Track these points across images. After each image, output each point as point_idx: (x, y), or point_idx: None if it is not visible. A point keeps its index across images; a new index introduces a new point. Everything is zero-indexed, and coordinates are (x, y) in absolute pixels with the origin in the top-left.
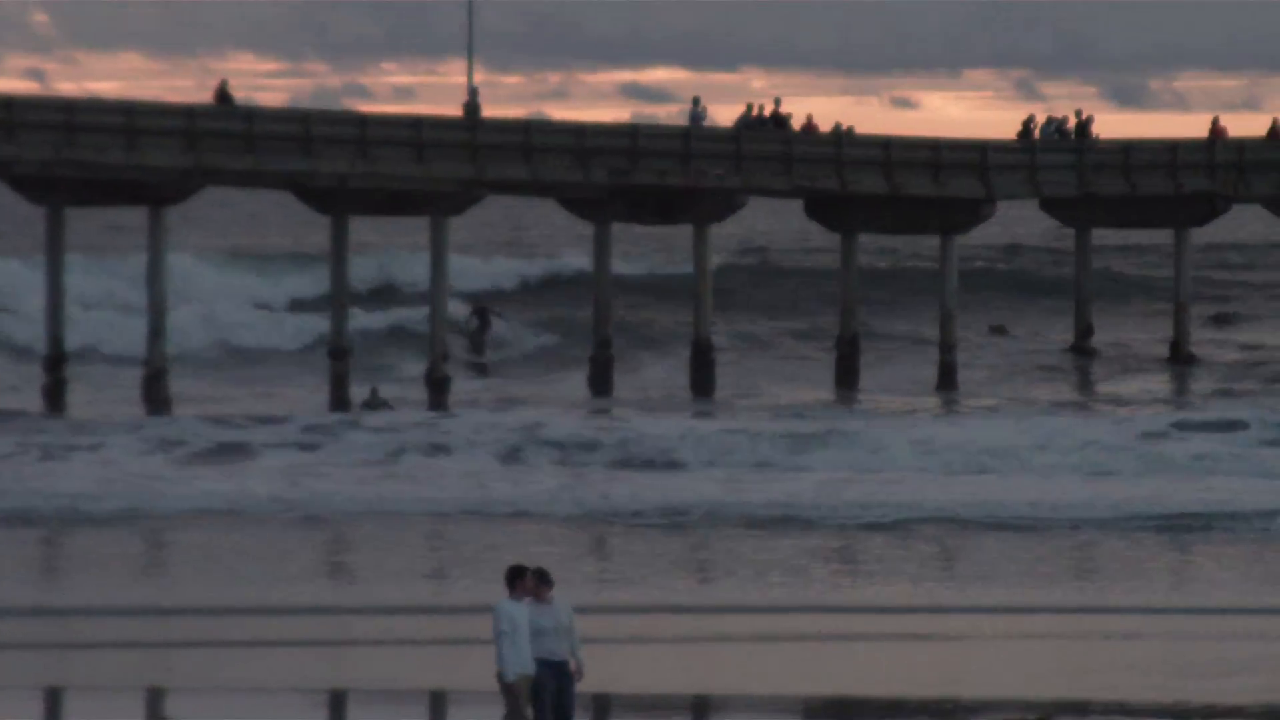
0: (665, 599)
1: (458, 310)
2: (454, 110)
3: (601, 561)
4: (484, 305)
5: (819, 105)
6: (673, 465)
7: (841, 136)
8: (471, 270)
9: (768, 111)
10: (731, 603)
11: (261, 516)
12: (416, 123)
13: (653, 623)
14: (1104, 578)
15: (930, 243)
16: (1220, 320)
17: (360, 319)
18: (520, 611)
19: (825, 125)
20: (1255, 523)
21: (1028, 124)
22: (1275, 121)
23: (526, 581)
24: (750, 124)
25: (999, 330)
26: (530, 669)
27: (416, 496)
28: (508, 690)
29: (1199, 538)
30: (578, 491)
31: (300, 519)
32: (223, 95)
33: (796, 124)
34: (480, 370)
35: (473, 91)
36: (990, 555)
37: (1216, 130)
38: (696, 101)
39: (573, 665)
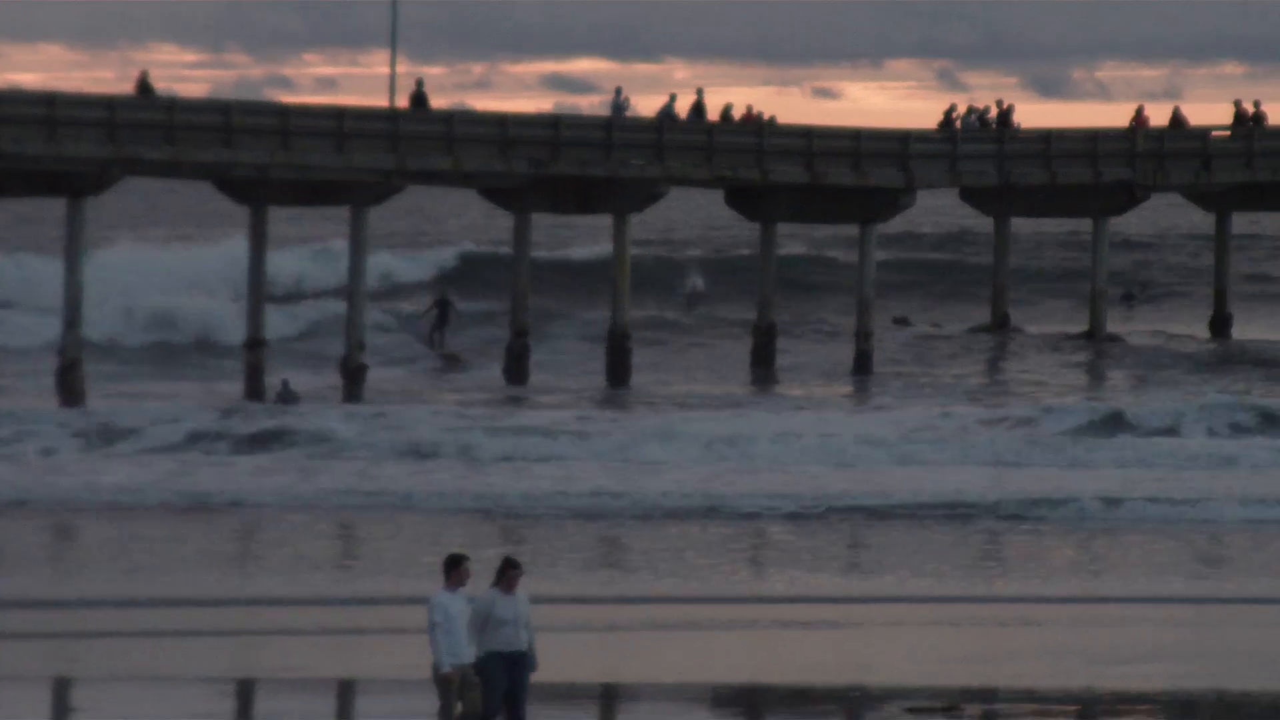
0: (571, 590)
1: (418, 304)
2: (378, 100)
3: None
4: (445, 297)
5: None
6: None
7: (763, 126)
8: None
9: (688, 103)
10: (636, 593)
11: (150, 506)
12: (338, 113)
13: (557, 612)
14: (1006, 566)
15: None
16: (1128, 299)
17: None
18: (454, 602)
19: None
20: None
21: (949, 114)
22: (1176, 110)
23: (462, 571)
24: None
25: (901, 321)
26: (467, 659)
27: (308, 487)
28: (442, 681)
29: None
30: (467, 482)
31: (190, 509)
32: (144, 86)
33: (737, 114)
34: (452, 362)
35: (419, 81)
36: (890, 545)
37: (1140, 119)
38: (619, 92)
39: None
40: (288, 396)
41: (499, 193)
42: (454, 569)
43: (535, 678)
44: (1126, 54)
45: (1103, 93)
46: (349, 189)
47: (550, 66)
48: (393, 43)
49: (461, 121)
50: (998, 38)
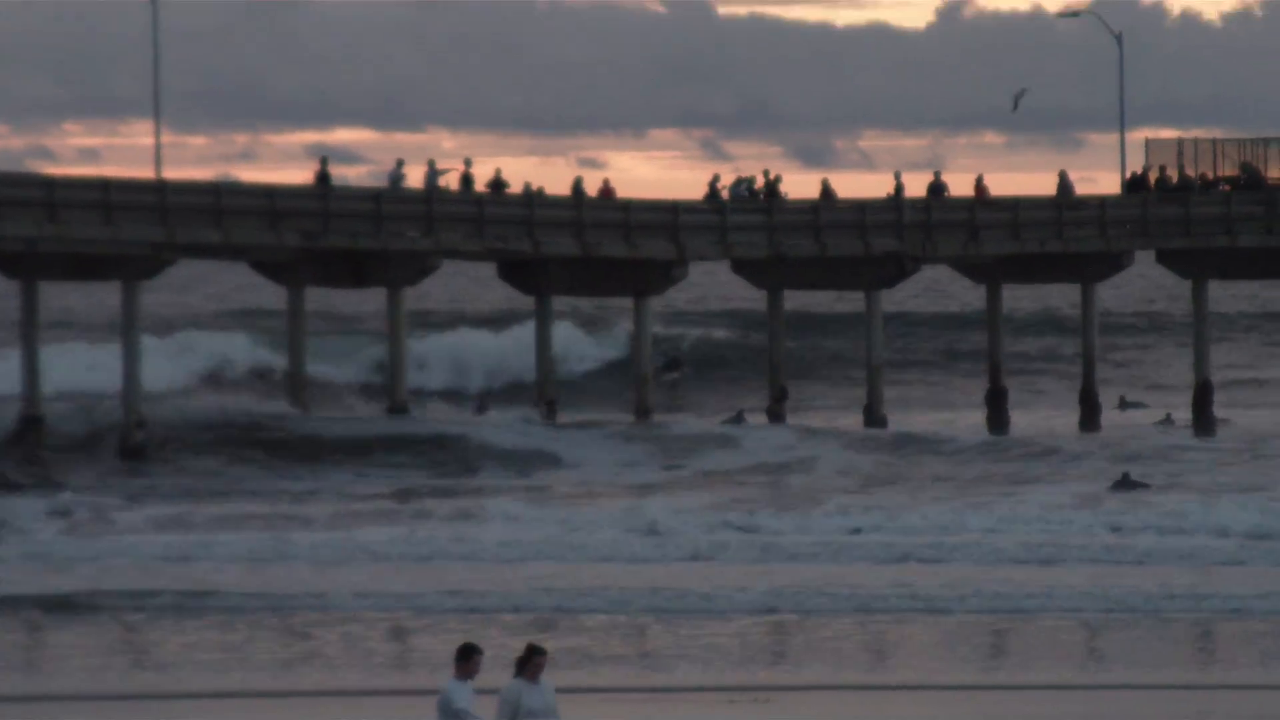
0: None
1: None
2: (144, 172)
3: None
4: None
5: (507, 165)
6: None
7: (532, 197)
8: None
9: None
10: None
11: None
12: (104, 184)
13: None
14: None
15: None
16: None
17: None
18: (461, 692)
19: (515, 185)
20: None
21: (713, 184)
22: (936, 176)
23: (474, 663)
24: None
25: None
26: None
27: None
28: None
29: None
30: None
31: None
32: None
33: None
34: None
35: (323, 160)
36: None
37: (979, 190)
38: (400, 163)
39: None
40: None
41: (270, 266)
42: (466, 660)
43: None
44: (887, 124)
45: (866, 162)
46: (119, 263)
47: (313, 136)
48: (156, 113)
49: (229, 193)
50: (758, 107)
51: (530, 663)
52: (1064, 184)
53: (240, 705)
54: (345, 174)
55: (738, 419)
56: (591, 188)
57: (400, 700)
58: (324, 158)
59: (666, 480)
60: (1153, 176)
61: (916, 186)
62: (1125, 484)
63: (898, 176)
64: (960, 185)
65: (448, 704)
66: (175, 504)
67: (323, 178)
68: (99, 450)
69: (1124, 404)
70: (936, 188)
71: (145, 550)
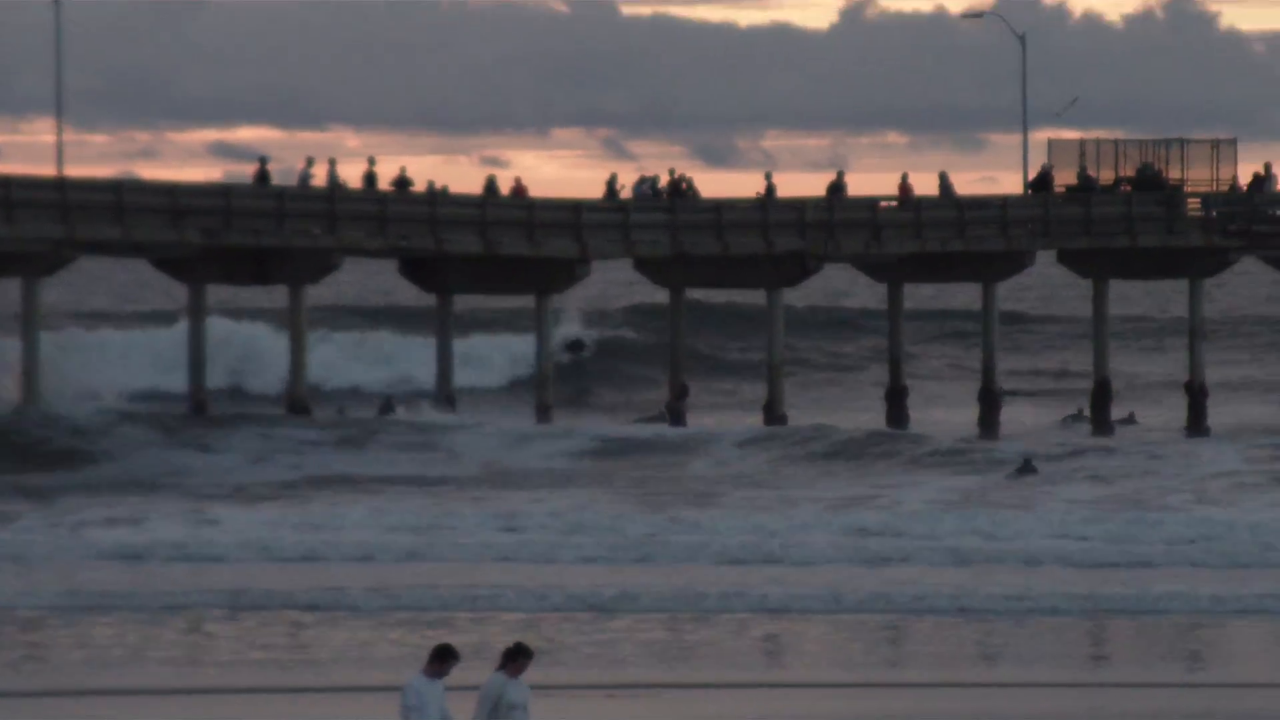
0: None
1: None
2: (45, 169)
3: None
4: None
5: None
6: None
7: (436, 195)
8: None
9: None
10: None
11: None
12: (5, 181)
13: None
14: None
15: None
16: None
17: None
18: (430, 689)
19: (419, 184)
20: None
21: (611, 183)
22: (839, 175)
23: (447, 664)
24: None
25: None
26: None
27: None
28: None
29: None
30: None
31: None
32: None
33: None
34: None
35: (262, 160)
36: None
37: (903, 189)
38: (310, 161)
39: None
40: None
41: (172, 263)
42: (439, 660)
43: None
44: (789, 124)
45: (769, 161)
46: (18, 260)
47: (216, 135)
48: (58, 110)
49: (130, 190)
50: (660, 106)
51: (516, 661)
52: (944, 185)
53: None
54: (248, 172)
55: (661, 417)
56: (504, 187)
57: None
58: (263, 158)
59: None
60: (1062, 178)
61: (817, 186)
62: (1026, 469)
63: (768, 177)
64: (865, 185)
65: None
66: None
67: (262, 177)
68: None
69: (1001, 393)
70: (836, 187)
71: None
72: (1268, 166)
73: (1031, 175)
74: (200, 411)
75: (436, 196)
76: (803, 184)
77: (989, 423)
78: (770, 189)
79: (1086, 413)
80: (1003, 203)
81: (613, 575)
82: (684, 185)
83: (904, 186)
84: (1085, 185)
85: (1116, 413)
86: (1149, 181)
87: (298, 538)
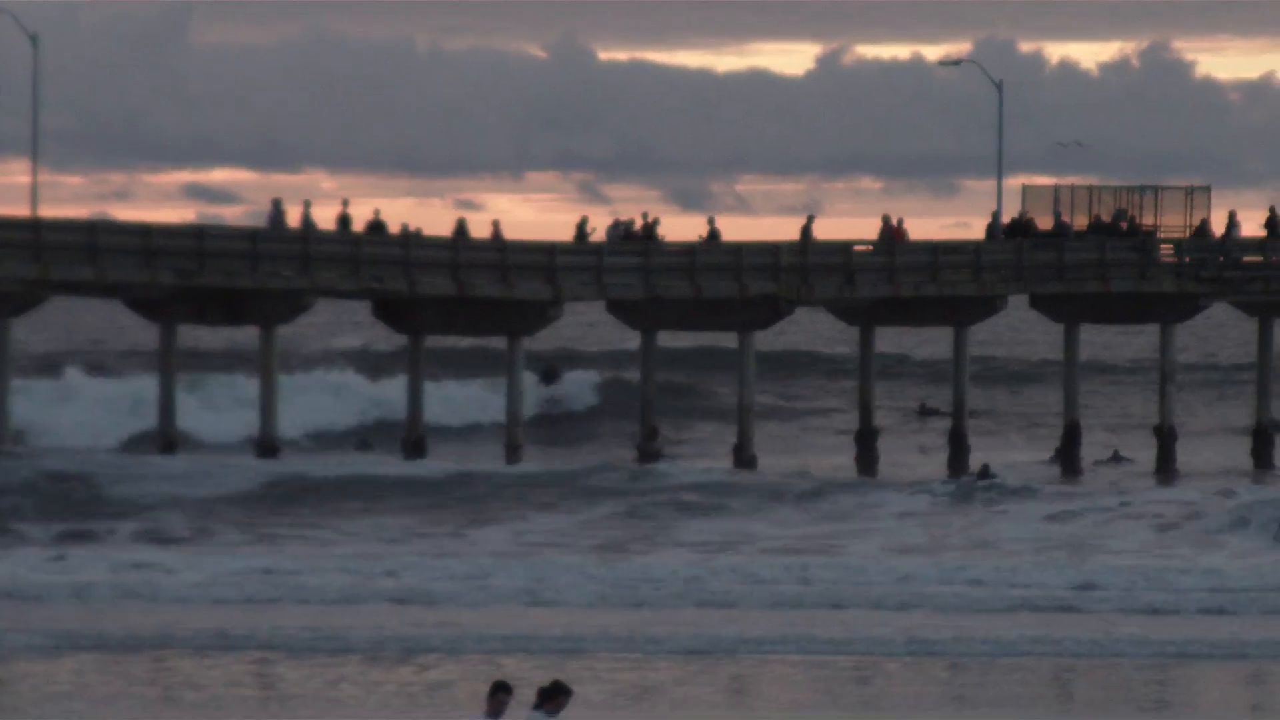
0: None
1: None
2: (19, 210)
3: None
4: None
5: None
6: None
7: (410, 237)
8: None
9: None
10: None
11: None
12: None
13: None
14: None
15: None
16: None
17: None
18: None
19: (393, 226)
20: None
21: (581, 226)
22: (809, 219)
23: (499, 700)
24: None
25: None
26: None
27: None
28: None
29: None
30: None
31: None
32: None
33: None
34: None
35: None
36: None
37: (897, 232)
38: (278, 203)
39: None
40: None
41: (144, 303)
42: (492, 696)
43: None
44: (763, 169)
45: (743, 206)
46: None
47: (190, 176)
48: (34, 151)
49: (104, 231)
50: (635, 151)
51: (555, 699)
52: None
53: None
54: (222, 213)
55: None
56: (481, 230)
57: None
58: (276, 200)
59: None
60: (1041, 221)
61: (791, 230)
62: (985, 475)
63: (711, 222)
64: (838, 229)
65: None
66: None
67: (276, 217)
68: None
69: (924, 410)
70: (807, 231)
71: None
72: (1232, 214)
73: (1006, 221)
74: (169, 451)
75: (410, 238)
76: (778, 228)
77: (958, 467)
78: (714, 233)
79: (1124, 454)
80: (976, 248)
81: None
82: (656, 228)
83: (899, 230)
84: (1059, 231)
85: (1100, 453)
86: (1122, 230)
87: None
